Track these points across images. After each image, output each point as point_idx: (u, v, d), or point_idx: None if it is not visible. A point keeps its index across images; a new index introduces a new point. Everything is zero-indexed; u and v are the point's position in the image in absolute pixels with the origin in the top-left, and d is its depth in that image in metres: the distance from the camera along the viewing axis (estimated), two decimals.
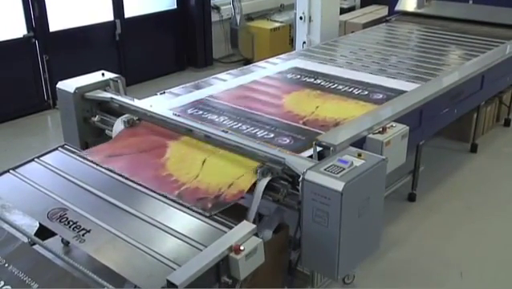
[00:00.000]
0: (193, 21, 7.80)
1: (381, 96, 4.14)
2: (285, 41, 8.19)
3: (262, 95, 4.27)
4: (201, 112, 3.92)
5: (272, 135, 3.54)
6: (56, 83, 3.99)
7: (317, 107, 3.99)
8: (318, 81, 4.56)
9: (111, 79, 4.00)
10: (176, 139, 3.51)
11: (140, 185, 3.12)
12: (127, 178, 3.19)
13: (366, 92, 4.24)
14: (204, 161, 3.24)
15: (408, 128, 3.45)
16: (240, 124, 3.73)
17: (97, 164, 3.36)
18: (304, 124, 3.71)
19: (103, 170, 3.37)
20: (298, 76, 4.72)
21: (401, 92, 4.17)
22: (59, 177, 3.33)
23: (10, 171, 3.43)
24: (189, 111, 3.95)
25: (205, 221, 2.84)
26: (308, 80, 4.60)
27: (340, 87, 4.39)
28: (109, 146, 3.60)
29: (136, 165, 3.32)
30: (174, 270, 2.44)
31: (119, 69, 6.63)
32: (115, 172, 3.26)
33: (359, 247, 2.90)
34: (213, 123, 3.71)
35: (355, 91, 4.28)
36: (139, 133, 3.66)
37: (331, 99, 4.16)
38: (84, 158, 3.46)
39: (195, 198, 2.95)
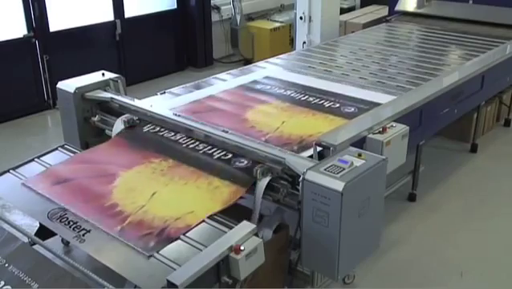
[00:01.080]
0: (193, 21, 7.80)
1: (352, 110, 3.87)
2: (285, 41, 8.19)
3: (225, 108, 3.96)
4: (157, 129, 3.64)
5: (230, 155, 3.26)
6: (56, 83, 3.99)
7: (283, 122, 3.71)
8: (289, 92, 4.27)
9: (111, 79, 4.00)
10: (130, 168, 3.30)
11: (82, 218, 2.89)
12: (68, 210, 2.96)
13: (337, 105, 3.98)
14: (153, 194, 3.05)
15: (408, 128, 3.45)
16: (196, 143, 3.44)
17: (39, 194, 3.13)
18: (266, 141, 3.40)
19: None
20: (269, 87, 4.41)
21: (376, 105, 3.91)
22: None
23: (10, 171, 3.44)
24: (145, 128, 3.68)
25: (205, 221, 2.84)
26: (278, 91, 4.31)
27: (311, 99, 4.11)
28: (56, 170, 3.38)
29: (80, 194, 3.09)
30: (174, 270, 2.44)
31: (119, 69, 6.62)
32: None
33: (359, 247, 2.90)
34: (169, 140, 3.51)
35: (326, 104, 4.00)
36: (92, 159, 3.48)
37: (298, 112, 3.88)
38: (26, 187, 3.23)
39: (137, 235, 2.72)
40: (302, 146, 3.34)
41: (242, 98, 4.20)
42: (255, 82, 4.55)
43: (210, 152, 3.34)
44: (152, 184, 3.14)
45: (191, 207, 2.91)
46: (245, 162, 3.16)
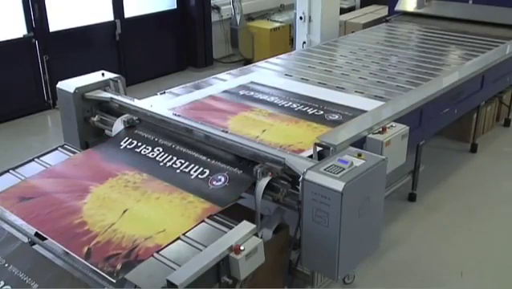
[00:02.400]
0: (193, 21, 7.80)
1: (336, 117, 3.74)
2: (285, 41, 8.19)
3: (205, 115, 3.75)
4: (135, 143, 3.55)
5: (207, 172, 3.15)
6: (56, 83, 3.99)
7: (263, 130, 3.55)
8: (272, 98, 4.12)
9: (111, 79, 4.00)
10: (102, 182, 3.20)
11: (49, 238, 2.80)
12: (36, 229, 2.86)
13: (321, 112, 3.84)
14: (125, 211, 2.93)
15: (408, 128, 3.45)
16: (171, 157, 3.35)
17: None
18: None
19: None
20: (252, 93, 4.24)
21: (361, 112, 3.76)
22: None
23: (10, 171, 3.45)
24: (122, 143, 3.58)
25: (205, 221, 2.84)
26: (262, 97, 4.15)
27: (295, 105, 3.97)
28: (25, 186, 3.25)
29: (48, 211, 2.96)
30: (174, 270, 2.44)
31: (119, 69, 6.62)
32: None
33: (359, 247, 2.90)
34: (145, 156, 3.41)
35: (310, 111, 3.86)
36: (64, 172, 3.37)
37: (281, 120, 3.72)
38: None
39: (104, 257, 2.58)
40: None
41: (224, 104, 4.04)
42: (239, 87, 4.39)
43: (187, 170, 3.22)
44: (124, 200, 3.03)
45: (162, 225, 2.79)
46: (223, 180, 3.07)
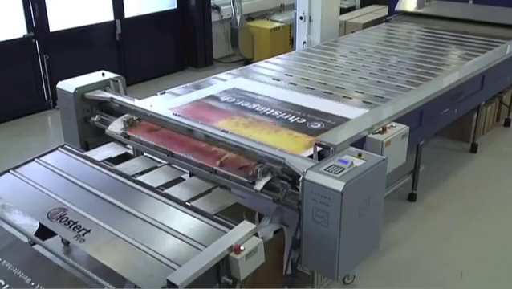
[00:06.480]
0: (193, 21, 7.81)
1: (318, 126, 3.61)
2: (285, 41, 8.20)
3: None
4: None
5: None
6: (56, 83, 3.99)
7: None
8: (254, 106, 3.99)
9: (111, 79, 4.00)
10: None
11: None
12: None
13: (303, 120, 3.71)
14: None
15: (408, 128, 3.45)
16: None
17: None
18: (221, 164, 3.16)
19: (103, 170, 3.38)
20: (233, 100, 4.11)
21: (344, 120, 3.66)
22: (59, 177, 3.35)
23: (10, 171, 3.44)
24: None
25: (205, 221, 2.84)
26: (243, 104, 4.02)
27: (277, 113, 3.85)
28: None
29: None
30: (174, 270, 2.45)
31: (119, 69, 6.62)
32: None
33: (359, 247, 2.90)
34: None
35: (292, 119, 3.74)
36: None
37: (261, 129, 3.60)
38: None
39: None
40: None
41: (203, 112, 3.89)
42: (221, 93, 4.27)
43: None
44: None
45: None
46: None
